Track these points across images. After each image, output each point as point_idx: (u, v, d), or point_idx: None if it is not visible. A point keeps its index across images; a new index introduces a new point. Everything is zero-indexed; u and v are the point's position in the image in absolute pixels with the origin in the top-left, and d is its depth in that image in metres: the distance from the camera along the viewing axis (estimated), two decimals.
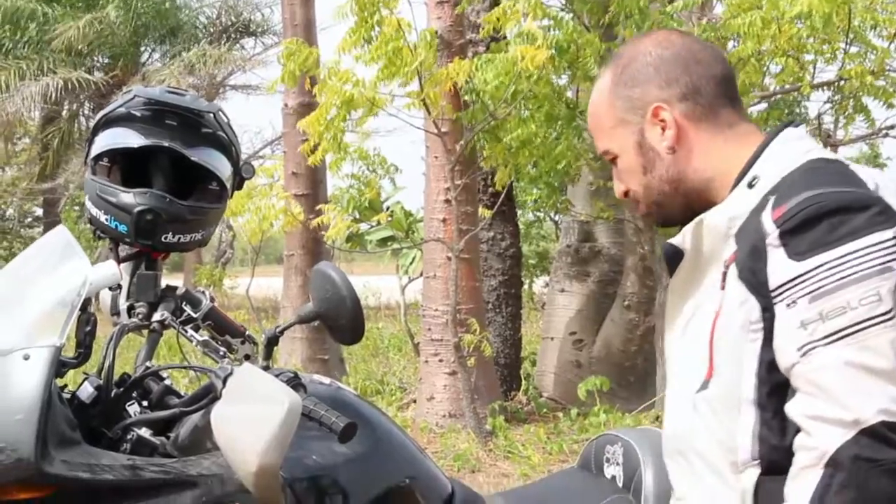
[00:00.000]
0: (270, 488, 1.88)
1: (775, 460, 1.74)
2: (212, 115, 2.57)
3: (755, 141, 1.90)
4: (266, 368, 2.23)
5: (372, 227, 16.02)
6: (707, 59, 1.94)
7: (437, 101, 7.55)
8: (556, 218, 16.42)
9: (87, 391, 2.23)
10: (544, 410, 9.24)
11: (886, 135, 14.86)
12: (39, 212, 28.76)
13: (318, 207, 8.85)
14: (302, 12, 10.44)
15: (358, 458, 2.28)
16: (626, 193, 2.00)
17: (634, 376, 9.67)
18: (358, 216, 14.14)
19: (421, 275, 9.24)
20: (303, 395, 2.06)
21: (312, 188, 10.30)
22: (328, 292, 2.29)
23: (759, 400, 1.75)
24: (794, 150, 1.85)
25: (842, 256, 1.65)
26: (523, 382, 10.09)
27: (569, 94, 8.39)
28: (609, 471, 2.70)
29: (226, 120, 2.61)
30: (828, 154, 1.87)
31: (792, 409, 1.69)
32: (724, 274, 1.79)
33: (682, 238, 1.91)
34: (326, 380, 2.51)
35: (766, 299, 1.72)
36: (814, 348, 1.65)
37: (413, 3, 10.17)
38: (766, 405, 1.74)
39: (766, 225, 1.71)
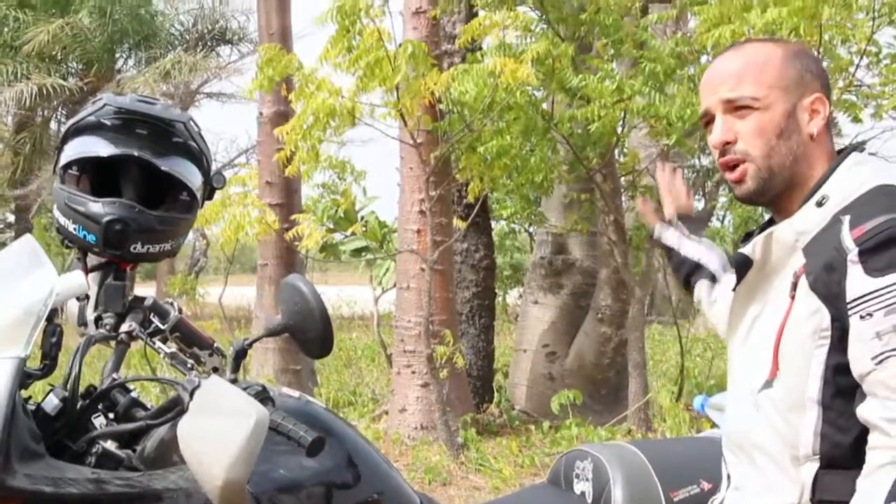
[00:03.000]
0: (237, 503, 1.86)
1: (835, 456, 1.93)
2: (182, 124, 2.55)
3: (832, 158, 2.08)
4: (234, 381, 2.21)
5: (346, 237, 15.97)
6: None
7: (413, 112, 7.54)
8: (531, 230, 16.43)
9: (52, 403, 2.20)
10: (516, 423, 9.23)
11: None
12: (11, 218, 28.56)
13: (292, 217, 8.82)
14: (278, 20, 10.41)
15: (326, 472, 2.26)
16: (726, 143, 2.07)
17: (607, 389, 9.68)
18: (332, 226, 14.11)
19: (394, 286, 9.21)
20: (271, 408, 2.04)
21: (287, 197, 10.26)
22: (297, 305, 2.27)
23: (824, 400, 1.93)
24: (861, 173, 2.02)
25: None
26: (496, 395, 10.08)
27: (544, 105, 8.39)
28: (579, 486, 2.69)
29: (197, 129, 2.59)
30: (892, 180, 2.04)
31: (867, 411, 1.86)
32: (794, 284, 1.96)
33: (753, 248, 2.08)
34: (295, 393, 2.49)
35: (837, 310, 1.89)
36: (889, 357, 1.83)
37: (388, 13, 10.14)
38: (830, 405, 1.93)
39: (847, 242, 1.88)
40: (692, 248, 2.67)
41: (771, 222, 2.17)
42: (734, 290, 2.18)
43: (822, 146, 2.08)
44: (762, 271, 2.08)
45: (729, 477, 2.19)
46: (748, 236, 2.22)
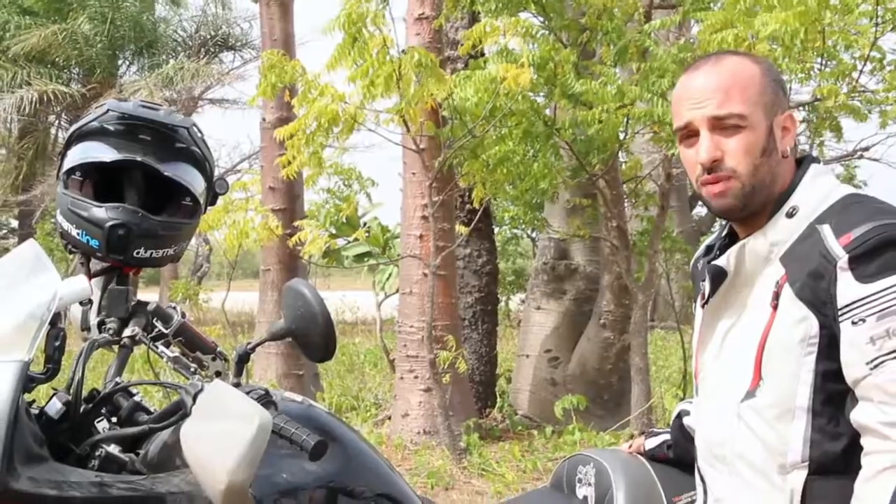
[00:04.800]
0: None
1: (825, 463, 1.95)
2: (186, 130, 2.56)
3: (793, 170, 2.12)
4: (237, 385, 2.22)
5: (349, 242, 15.99)
6: None
7: (416, 118, 7.55)
8: (534, 235, 16.44)
9: (55, 407, 2.21)
10: (519, 428, 9.23)
11: (861, 156, 14.93)
12: (14, 223, 28.61)
13: (295, 223, 8.83)
14: (281, 27, 10.42)
15: (328, 476, 2.26)
16: (715, 161, 2.08)
17: (609, 394, 9.67)
18: (335, 231, 14.12)
19: (397, 291, 9.22)
20: (273, 412, 2.05)
21: (290, 203, 10.27)
22: (300, 309, 2.28)
23: (813, 407, 1.95)
24: (824, 183, 2.08)
25: None
26: (498, 400, 10.08)
27: (546, 111, 8.39)
28: (581, 491, 2.70)
29: (200, 135, 2.60)
30: (852, 189, 2.12)
31: (862, 416, 1.88)
32: (777, 293, 1.99)
33: (727, 260, 2.10)
34: (298, 397, 2.49)
35: (825, 317, 1.92)
36: (883, 362, 1.85)
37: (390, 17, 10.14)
38: (820, 412, 1.95)
39: (835, 250, 1.91)
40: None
41: (732, 234, 2.20)
42: (706, 304, 2.18)
43: (790, 161, 2.12)
44: (734, 283, 2.11)
45: (706, 490, 2.20)
46: (709, 249, 2.24)
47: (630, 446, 2.80)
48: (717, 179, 2.07)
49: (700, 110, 2.07)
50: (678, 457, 2.62)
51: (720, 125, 2.06)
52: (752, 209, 2.08)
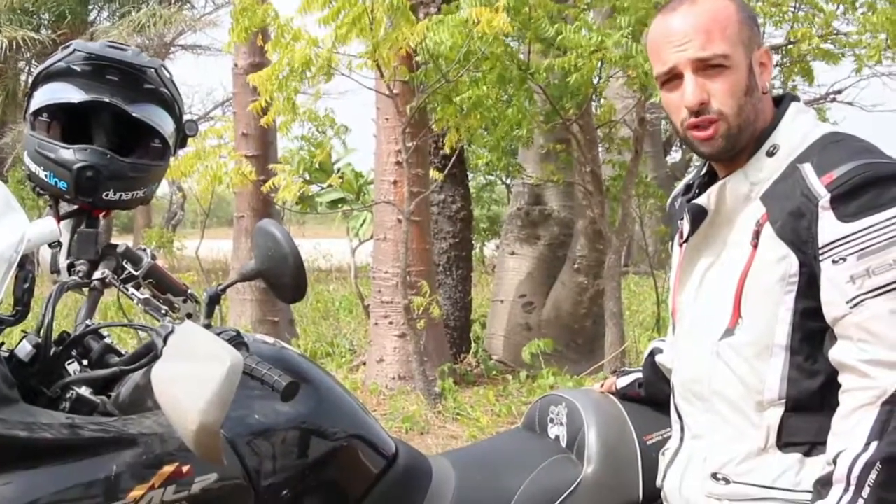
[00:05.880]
0: (211, 447, 1.86)
1: (801, 400, 1.98)
2: (153, 70, 2.53)
3: (772, 108, 2.11)
4: (208, 327, 2.21)
5: (322, 188, 15.94)
6: None
7: (389, 63, 7.49)
8: (508, 181, 16.42)
9: (25, 349, 2.20)
10: (493, 373, 9.28)
11: (834, 99, 14.95)
12: None
13: (269, 166, 8.80)
14: None
15: (300, 416, 2.26)
16: (703, 104, 2.06)
17: (583, 339, 9.73)
18: (308, 178, 14.06)
19: (371, 237, 9.21)
20: (245, 353, 2.04)
21: (263, 149, 10.23)
22: (270, 250, 2.27)
23: (792, 345, 1.97)
24: (804, 121, 2.08)
25: (889, 219, 1.87)
26: (473, 345, 10.11)
27: (521, 56, 8.35)
28: (553, 431, 2.71)
29: (168, 76, 2.57)
30: (833, 127, 2.12)
31: (841, 354, 1.90)
32: (757, 232, 1.99)
33: (707, 199, 2.10)
34: (270, 339, 2.49)
35: (805, 256, 1.93)
36: (863, 301, 1.87)
37: None
38: (798, 350, 1.97)
39: (817, 189, 1.91)
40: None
41: (712, 173, 2.19)
42: (685, 241, 2.18)
43: (768, 98, 2.11)
44: (713, 222, 2.11)
45: (682, 427, 2.21)
46: (688, 188, 2.24)
47: (602, 385, 2.82)
48: (704, 122, 2.05)
49: (682, 53, 2.04)
50: (650, 395, 2.64)
51: (703, 66, 2.03)
52: (740, 147, 2.07)
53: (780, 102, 2.12)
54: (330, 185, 13.76)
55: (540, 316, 9.97)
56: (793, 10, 7.59)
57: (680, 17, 2.07)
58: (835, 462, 1.87)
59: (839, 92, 15.97)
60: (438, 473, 2.54)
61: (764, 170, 2.03)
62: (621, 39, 6.95)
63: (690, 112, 2.05)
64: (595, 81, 7.78)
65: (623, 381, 2.74)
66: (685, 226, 2.17)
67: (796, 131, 2.05)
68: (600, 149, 9.42)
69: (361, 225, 16.69)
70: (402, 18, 6.96)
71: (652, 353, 2.62)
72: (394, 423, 7.22)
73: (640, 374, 2.70)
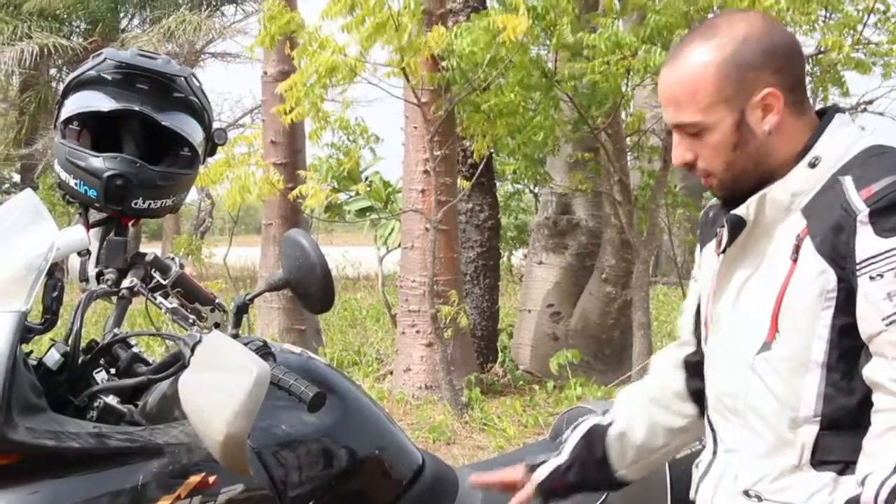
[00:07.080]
0: (238, 457, 1.86)
1: (837, 418, 1.93)
2: (183, 79, 2.53)
3: (814, 122, 2.05)
4: (235, 336, 2.21)
5: (350, 196, 15.96)
6: (800, 50, 2.10)
7: (416, 70, 7.50)
8: (536, 190, 16.39)
9: (53, 358, 2.21)
10: (520, 383, 9.25)
11: (865, 109, 14.83)
12: (17, 178, 28.57)
13: (297, 173, 8.81)
14: None
15: (327, 427, 2.26)
16: (689, 164, 2.05)
17: (611, 349, 9.69)
18: (336, 186, 14.08)
19: (399, 246, 9.21)
20: (272, 363, 2.04)
21: (291, 157, 10.23)
22: (298, 260, 2.26)
23: (828, 362, 1.92)
24: (848, 133, 2.03)
25: None
26: (500, 355, 10.08)
27: (549, 64, 8.34)
28: None
29: (198, 84, 2.58)
30: (876, 140, 2.04)
31: (874, 372, 1.86)
32: (797, 246, 1.95)
33: (747, 209, 2.03)
34: (297, 349, 2.49)
35: (843, 271, 1.88)
36: None
37: None
38: (835, 367, 1.92)
39: (856, 203, 1.86)
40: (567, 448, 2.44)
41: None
42: (723, 252, 2.15)
43: (790, 128, 2.02)
44: (752, 233, 2.06)
45: (715, 440, 2.19)
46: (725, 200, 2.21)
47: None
48: (699, 174, 2.06)
49: (666, 114, 2.06)
50: (583, 480, 2.42)
51: (684, 130, 2.03)
52: (747, 189, 2.03)
53: (825, 114, 2.09)
54: (358, 194, 13.78)
55: (567, 326, 9.93)
56: (823, 18, 7.55)
57: (663, 75, 2.06)
58: (863, 484, 1.83)
59: (870, 102, 15.82)
60: (465, 485, 2.53)
61: (805, 181, 1.99)
62: (642, 45, 6.92)
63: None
64: (623, 89, 7.75)
65: (542, 472, 2.42)
66: (724, 235, 2.15)
67: (839, 143, 2.00)
68: (629, 158, 9.39)
69: (390, 234, 16.73)
70: (423, 26, 6.98)
71: (591, 430, 2.43)
72: (420, 432, 7.21)
73: (561, 459, 2.43)
